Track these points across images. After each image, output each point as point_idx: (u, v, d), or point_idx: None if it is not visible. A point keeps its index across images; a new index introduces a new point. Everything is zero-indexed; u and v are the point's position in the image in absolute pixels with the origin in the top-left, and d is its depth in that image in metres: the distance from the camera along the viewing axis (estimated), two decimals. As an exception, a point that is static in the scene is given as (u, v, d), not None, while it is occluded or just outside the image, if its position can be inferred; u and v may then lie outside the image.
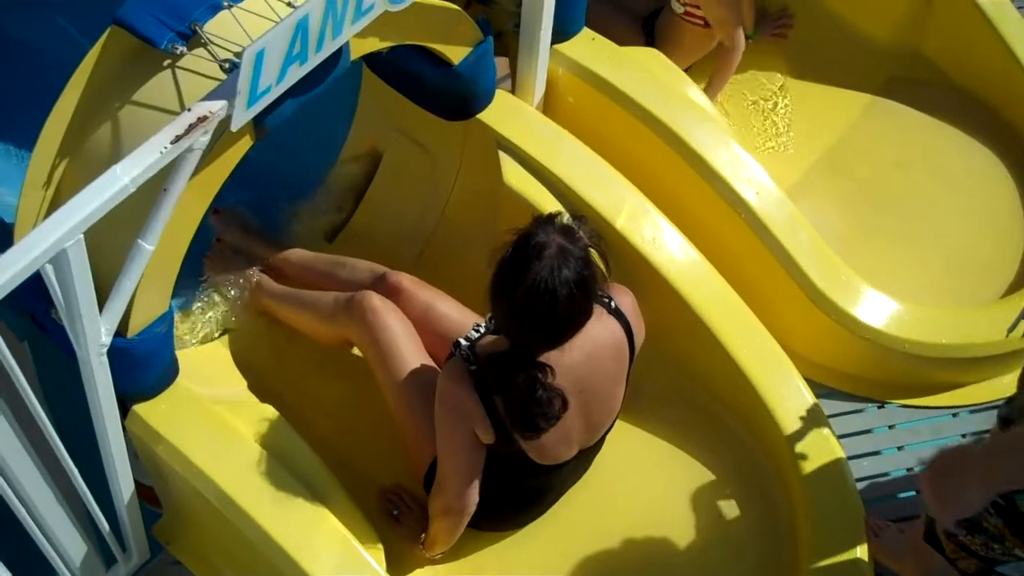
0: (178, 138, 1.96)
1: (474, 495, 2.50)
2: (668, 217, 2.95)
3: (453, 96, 2.92)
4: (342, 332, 2.85)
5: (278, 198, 3.29)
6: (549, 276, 2.17)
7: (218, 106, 2.01)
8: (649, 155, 3.10)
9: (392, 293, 2.83)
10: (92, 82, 2.26)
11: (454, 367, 2.42)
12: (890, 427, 3.21)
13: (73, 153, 2.31)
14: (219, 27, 2.22)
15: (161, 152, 1.94)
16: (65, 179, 2.32)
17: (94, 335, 2.08)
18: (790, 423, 2.80)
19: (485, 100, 2.97)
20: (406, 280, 2.87)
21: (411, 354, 2.72)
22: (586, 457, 2.69)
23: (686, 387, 3.00)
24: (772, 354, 2.89)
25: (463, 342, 2.47)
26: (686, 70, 3.53)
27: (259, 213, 3.26)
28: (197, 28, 2.20)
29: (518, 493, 2.67)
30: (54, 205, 2.32)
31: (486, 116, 2.97)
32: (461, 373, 2.39)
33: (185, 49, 2.20)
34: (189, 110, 2.01)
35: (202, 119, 1.99)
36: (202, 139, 2.02)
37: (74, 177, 2.31)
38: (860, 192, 3.61)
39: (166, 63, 2.24)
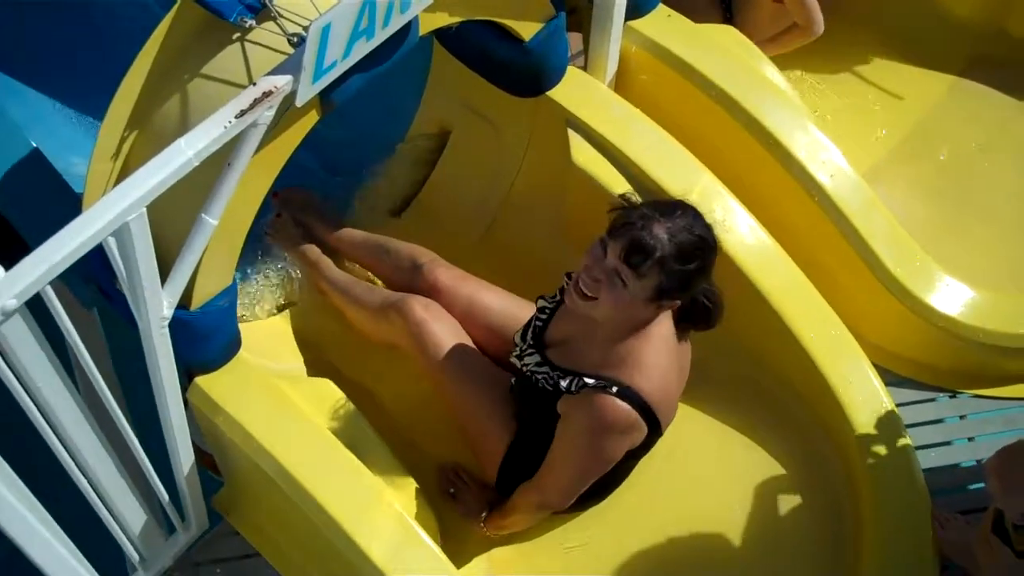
0: (243, 112, 1.95)
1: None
2: (740, 199, 2.89)
3: (523, 72, 2.88)
4: (389, 338, 2.85)
5: (347, 172, 3.28)
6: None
7: (283, 81, 2.00)
8: (723, 136, 3.04)
9: (432, 292, 2.83)
10: (162, 54, 2.25)
11: (615, 412, 2.37)
12: (961, 417, 3.12)
13: (141, 125, 2.31)
14: (289, 1, 2.20)
15: (226, 126, 1.93)
16: (133, 151, 2.33)
17: (156, 308, 2.09)
18: (858, 411, 2.75)
19: (556, 77, 2.93)
20: (444, 276, 2.86)
21: (462, 359, 2.73)
22: None
23: (753, 372, 2.96)
24: (842, 341, 2.83)
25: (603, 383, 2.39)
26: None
27: (327, 186, 3.26)
28: (267, 1, 2.18)
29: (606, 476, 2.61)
30: (122, 177, 2.32)
31: (556, 93, 2.93)
32: (627, 418, 2.37)
33: (254, 22, 2.18)
34: (254, 84, 1.99)
35: (267, 94, 1.98)
36: (267, 114, 2.00)
37: (141, 149, 2.32)
38: (941, 176, 3.51)
39: (235, 36, 2.23)
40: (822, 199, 2.99)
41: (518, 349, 2.61)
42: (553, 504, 2.59)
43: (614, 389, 2.36)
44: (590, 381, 2.38)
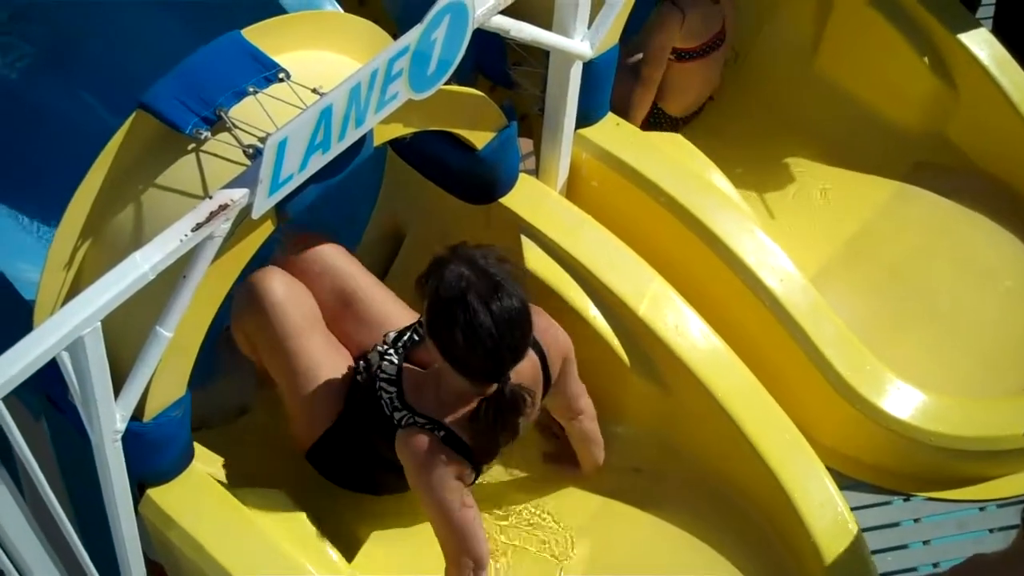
0: (199, 226, 1.96)
1: (485, 545, 2.51)
2: (691, 304, 2.92)
3: (476, 180, 2.92)
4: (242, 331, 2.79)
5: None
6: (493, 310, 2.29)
7: (239, 194, 2.02)
8: (672, 241, 3.09)
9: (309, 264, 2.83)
10: (116, 163, 2.26)
11: (420, 445, 2.43)
12: (916, 520, 3.15)
13: (95, 235, 2.31)
14: (244, 113, 2.22)
15: (181, 240, 1.94)
16: (86, 261, 2.32)
17: (108, 421, 2.06)
18: (813, 515, 2.75)
19: (508, 184, 2.97)
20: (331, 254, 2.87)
21: (313, 327, 2.74)
22: None
23: (706, 476, 2.95)
24: (795, 444, 2.84)
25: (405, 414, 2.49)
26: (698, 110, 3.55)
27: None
28: (222, 113, 2.21)
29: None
30: (75, 287, 2.31)
31: (509, 200, 2.97)
32: (432, 447, 2.43)
33: (209, 134, 2.20)
34: (210, 197, 2.01)
35: (223, 207, 2.00)
36: (223, 226, 2.02)
37: (95, 260, 2.31)
38: (886, 280, 3.57)
39: (190, 147, 2.25)
40: (771, 303, 3.04)
41: (384, 347, 2.62)
42: (465, 563, 2.48)
43: (421, 421, 2.45)
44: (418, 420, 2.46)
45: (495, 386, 2.38)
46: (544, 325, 2.57)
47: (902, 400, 3.06)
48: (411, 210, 3.24)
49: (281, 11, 3.03)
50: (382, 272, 3.29)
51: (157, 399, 2.29)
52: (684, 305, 2.91)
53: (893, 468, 3.16)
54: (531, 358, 2.49)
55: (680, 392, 2.86)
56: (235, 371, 2.99)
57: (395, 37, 2.57)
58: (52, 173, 3.72)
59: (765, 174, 3.82)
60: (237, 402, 3.02)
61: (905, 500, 3.18)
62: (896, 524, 3.13)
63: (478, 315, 2.27)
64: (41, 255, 3.32)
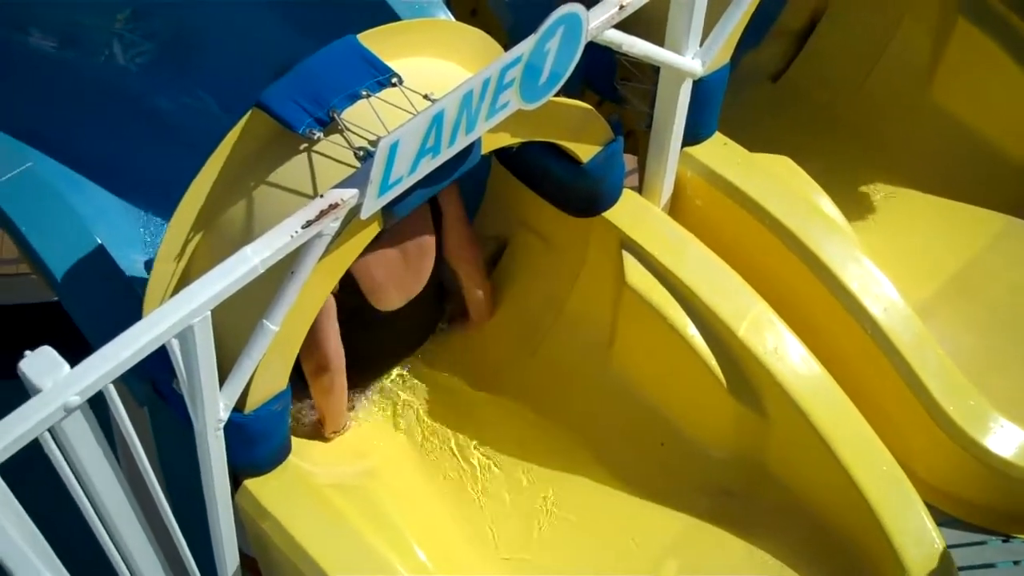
0: (309, 223, 2.00)
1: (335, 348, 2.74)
2: (792, 328, 2.88)
3: (580, 193, 2.93)
4: None
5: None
6: None
7: (349, 194, 2.05)
8: (775, 264, 3.06)
9: None
10: (231, 160, 2.32)
11: None
12: (1016, 563, 3.05)
13: (207, 228, 2.37)
14: (356, 115, 2.27)
15: (292, 236, 1.98)
16: (197, 253, 2.38)
17: (212, 410, 2.12)
18: (908, 550, 2.69)
19: (612, 199, 2.97)
20: None
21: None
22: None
23: (799, 502, 2.90)
24: (893, 477, 2.78)
25: None
26: None
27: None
28: (335, 115, 2.25)
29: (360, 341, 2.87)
30: (184, 278, 2.38)
31: (612, 215, 2.97)
32: None
33: (322, 135, 2.25)
34: (321, 196, 2.05)
35: (333, 206, 2.03)
36: (332, 225, 2.06)
37: (205, 252, 2.37)
38: (993, 315, 3.48)
39: (302, 147, 2.30)
40: (874, 332, 2.99)
41: None
42: (308, 367, 2.73)
43: None
44: None
45: None
46: None
47: (1005, 438, 2.98)
48: (512, 219, 3.25)
49: (394, 17, 3.09)
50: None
51: (259, 391, 2.33)
52: (785, 329, 2.88)
53: (993, 507, 3.08)
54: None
55: (777, 417, 2.82)
56: None
57: (506, 48, 2.62)
58: (165, 168, 3.82)
59: (873, 201, 3.75)
60: None
61: (1004, 541, 3.08)
62: (993, 565, 3.03)
63: None
64: (151, 246, 3.44)
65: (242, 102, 3.77)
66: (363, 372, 3.00)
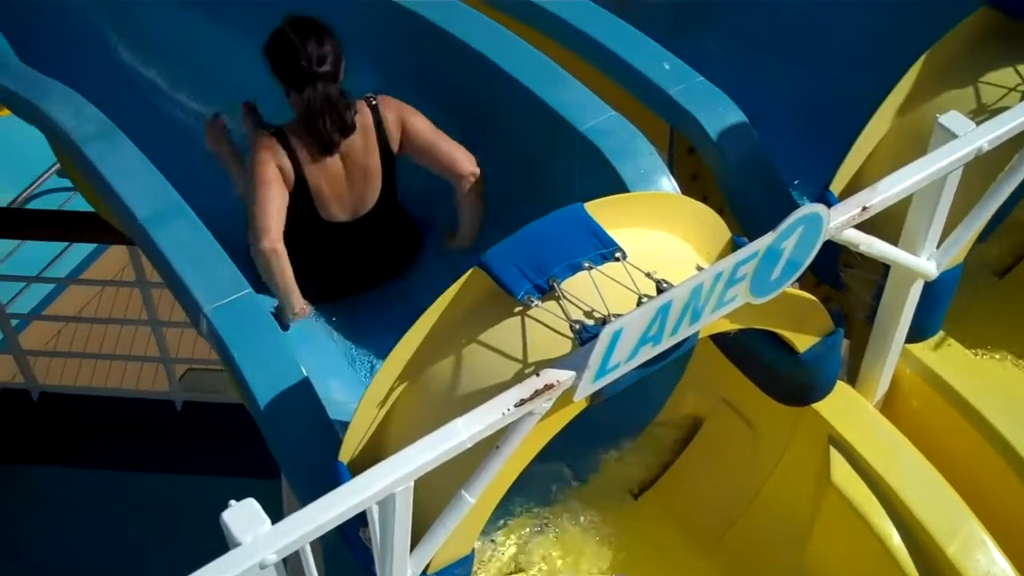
0: (522, 402, 1.97)
1: (273, 221, 3.32)
2: (1006, 554, 2.68)
3: (792, 382, 2.82)
4: None
5: (586, 443, 3.24)
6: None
7: (566, 376, 2.01)
8: (995, 483, 2.87)
9: None
10: (446, 315, 2.32)
11: (258, 139, 3.38)
12: None
13: (413, 379, 2.36)
14: (575, 286, 2.24)
15: (503, 413, 1.95)
16: (400, 402, 2.38)
17: (400, 572, 2.08)
18: None
19: (824, 391, 2.85)
20: None
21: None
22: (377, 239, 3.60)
23: None
24: None
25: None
26: None
27: (563, 453, 3.22)
28: (555, 284, 2.23)
29: (327, 258, 3.56)
30: (384, 426, 2.38)
31: (823, 407, 2.85)
32: (265, 141, 3.36)
33: (539, 302, 2.22)
34: (537, 375, 2.01)
35: (548, 386, 1.99)
36: (544, 405, 2.02)
37: (409, 403, 2.36)
38: None
39: (517, 310, 2.28)
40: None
41: None
42: (251, 240, 3.33)
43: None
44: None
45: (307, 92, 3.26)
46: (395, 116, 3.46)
47: None
48: (713, 397, 3.16)
49: (618, 178, 3.09)
50: (670, 458, 3.21)
51: (445, 555, 2.29)
52: (998, 554, 2.68)
53: None
54: (364, 111, 3.41)
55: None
56: None
57: (720, 212, 2.57)
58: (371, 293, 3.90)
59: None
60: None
61: None
62: None
63: (286, 32, 3.26)
64: (350, 377, 3.48)
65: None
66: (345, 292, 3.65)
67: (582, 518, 3.09)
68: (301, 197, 3.41)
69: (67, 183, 7.27)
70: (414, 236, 3.75)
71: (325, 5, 3.41)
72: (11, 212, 6.59)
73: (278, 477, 3.33)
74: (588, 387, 2.03)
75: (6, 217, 6.02)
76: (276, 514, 1.84)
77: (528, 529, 3.01)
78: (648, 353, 2.08)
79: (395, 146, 3.48)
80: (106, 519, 5.84)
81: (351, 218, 3.53)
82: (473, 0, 3.70)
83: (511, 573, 2.96)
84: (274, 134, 3.37)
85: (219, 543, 1.95)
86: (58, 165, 7.16)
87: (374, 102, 3.45)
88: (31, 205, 7.36)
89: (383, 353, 2.60)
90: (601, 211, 2.37)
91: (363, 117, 3.41)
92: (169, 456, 6.01)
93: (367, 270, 3.67)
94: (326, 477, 2.29)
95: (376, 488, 1.85)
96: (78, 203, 4.55)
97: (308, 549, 1.84)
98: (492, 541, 2.98)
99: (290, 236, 3.36)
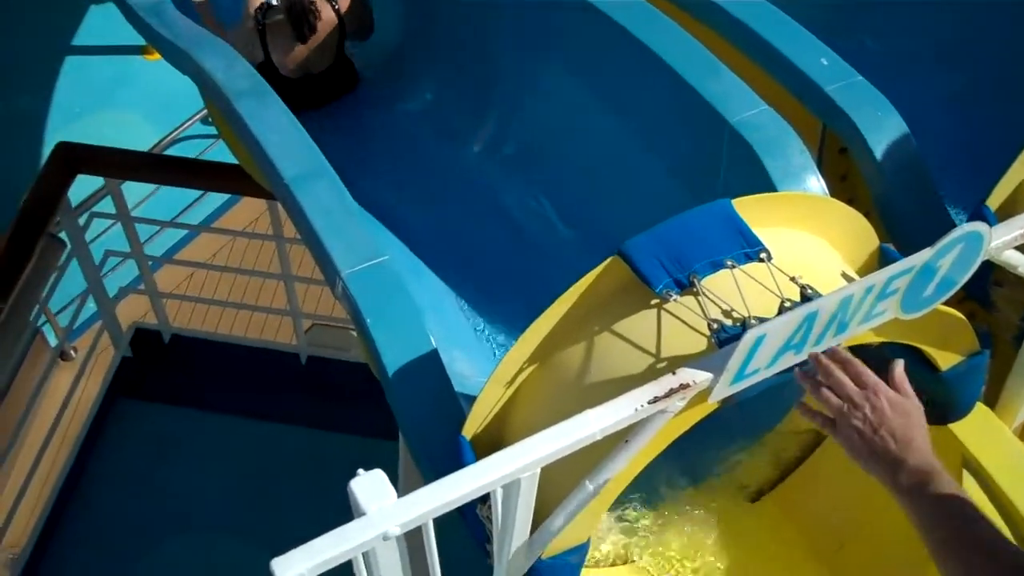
0: (656, 399, 1.94)
1: None
2: None
3: (930, 400, 2.71)
4: None
5: (707, 442, 3.19)
6: None
7: (703, 377, 1.98)
8: None
9: None
10: (581, 301, 2.30)
11: None
12: None
13: (543, 361, 2.35)
14: (716, 284, 2.20)
15: (636, 410, 1.93)
16: (526, 383, 2.37)
17: (518, 556, 2.08)
18: None
19: (963, 412, 2.74)
20: None
21: None
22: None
23: None
24: None
25: None
26: None
27: (682, 450, 3.18)
28: (695, 280, 2.19)
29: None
30: (509, 405, 2.38)
31: (959, 428, 2.75)
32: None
33: (678, 297, 2.19)
34: (672, 373, 1.98)
35: (684, 386, 1.96)
36: (677, 404, 1.99)
37: (536, 386, 2.36)
38: None
39: (653, 303, 2.25)
40: None
41: None
42: None
43: None
44: None
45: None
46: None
47: None
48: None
49: (766, 176, 3.02)
50: (792, 464, 3.15)
51: (562, 541, 2.28)
52: None
53: None
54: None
55: None
56: None
57: (867, 215, 2.48)
58: (499, 263, 3.91)
59: None
60: None
61: None
62: None
63: None
64: (474, 347, 3.49)
65: (578, 214, 3.83)
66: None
67: (696, 516, 3.05)
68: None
69: (211, 130, 7.48)
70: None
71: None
72: (154, 157, 6.77)
73: (394, 439, 3.37)
74: (724, 390, 2.00)
75: (148, 162, 6.19)
76: (391, 475, 1.86)
77: (641, 523, 2.98)
78: (789, 361, 2.04)
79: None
80: (223, 463, 6.02)
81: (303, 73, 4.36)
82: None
83: (619, 563, 2.94)
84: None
85: (329, 500, 1.97)
86: (202, 112, 7.35)
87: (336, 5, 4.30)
88: (173, 149, 7.54)
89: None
90: (748, 208, 2.32)
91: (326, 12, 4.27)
92: (291, 407, 6.15)
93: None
94: (448, 449, 2.31)
95: (503, 472, 1.85)
96: (219, 151, 4.66)
97: (431, 524, 1.85)
98: (606, 530, 2.96)
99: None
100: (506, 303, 3.68)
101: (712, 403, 2.18)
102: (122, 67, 8.78)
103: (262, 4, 4.25)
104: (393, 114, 4.45)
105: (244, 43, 4.18)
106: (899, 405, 1.98)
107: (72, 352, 6.54)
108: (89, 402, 6.14)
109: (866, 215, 2.51)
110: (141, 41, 4.30)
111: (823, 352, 2.05)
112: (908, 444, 1.93)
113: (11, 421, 5.55)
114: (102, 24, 8.85)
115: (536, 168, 4.04)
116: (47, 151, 5.43)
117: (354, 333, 4.55)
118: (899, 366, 2.08)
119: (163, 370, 6.46)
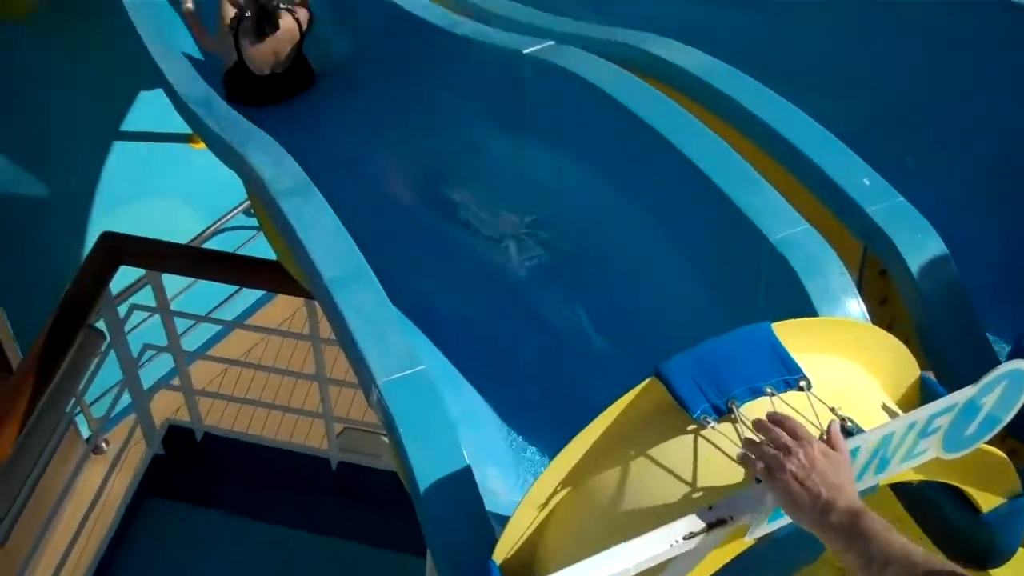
0: (692, 535, 1.90)
1: None
2: None
3: (970, 542, 2.65)
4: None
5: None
6: None
7: (740, 513, 1.94)
8: None
9: None
10: (617, 423, 2.26)
11: None
12: None
13: (577, 485, 2.31)
14: (754, 412, 2.16)
15: (672, 545, 1.89)
16: (560, 507, 2.33)
17: None
18: None
19: (1004, 557, 2.67)
20: None
21: None
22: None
23: None
24: None
25: None
26: None
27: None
28: (733, 407, 2.16)
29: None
30: (542, 529, 2.33)
31: (999, 573, 2.67)
32: None
33: (715, 423, 2.16)
34: (710, 508, 1.94)
35: (721, 521, 1.92)
36: (712, 540, 1.95)
37: (568, 507, 2.31)
38: None
39: (690, 428, 2.21)
40: None
41: None
42: None
43: None
44: None
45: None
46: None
47: None
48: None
49: (805, 296, 2.99)
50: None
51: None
52: None
53: None
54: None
55: None
56: None
57: (906, 341, 2.44)
58: (531, 371, 3.87)
59: None
60: None
61: None
62: None
63: None
64: (507, 461, 3.44)
65: (616, 329, 3.78)
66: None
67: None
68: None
69: (252, 222, 7.53)
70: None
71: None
72: (197, 251, 6.79)
73: (422, 555, 3.31)
74: (761, 529, 1.96)
75: (191, 255, 6.20)
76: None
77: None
78: (828, 498, 1.99)
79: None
80: (249, 569, 5.94)
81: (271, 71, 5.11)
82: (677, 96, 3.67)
83: None
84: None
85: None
86: (245, 203, 7.42)
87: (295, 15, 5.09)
88: (215, 240, 7.59)
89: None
90: (788, 333, 2.29)
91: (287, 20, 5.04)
92: (320, 514, 6.09)
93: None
94: (477, 574, 2.26)
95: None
96: (261, 243, 4.72)
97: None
98: None
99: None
100: (538, 410, 3.64)
101: (749, 540, 2.15)
102: (169, 154, 8.92)
103: (236, 14, 5.10)
104: (342, 107, 5.03)
105: (223, 47, 5.12)
106: (830, 455, 1.97)
107: (104, 445, 6.52)
108: (118, 498, 6.09)
109: (905, 341, 2.48)
110: (188, 129, 4.35)
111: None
112: (838, 489, 1.92)
113: (41, 513, 5.52)
114: (150, 111, 8.98)
115: (572, 274, 4.03)
116: (90, 232, 5.48)
117: (385, 439, 4.53)
118: (835, 424, 2.06)
119: (194, 470, 6.43)
